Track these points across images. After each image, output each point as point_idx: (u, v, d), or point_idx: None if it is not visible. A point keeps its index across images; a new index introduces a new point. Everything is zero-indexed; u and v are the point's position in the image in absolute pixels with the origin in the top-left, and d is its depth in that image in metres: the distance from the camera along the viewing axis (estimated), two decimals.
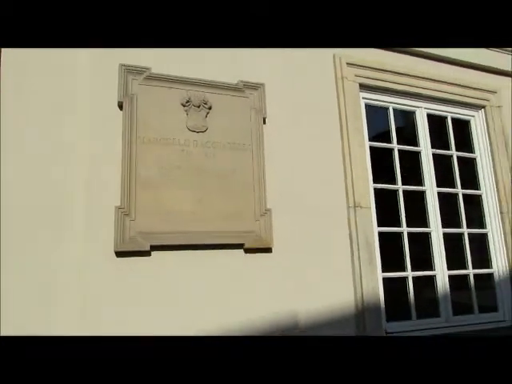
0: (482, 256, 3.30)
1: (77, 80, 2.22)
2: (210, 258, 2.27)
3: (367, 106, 3.06)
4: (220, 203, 2.31)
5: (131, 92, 2.24)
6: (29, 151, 2.07)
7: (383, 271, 2.81)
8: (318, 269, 2.54)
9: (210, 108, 2.38)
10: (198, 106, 2.35)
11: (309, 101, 2.75)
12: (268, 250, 2.41)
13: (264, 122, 2.53)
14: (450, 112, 3.41)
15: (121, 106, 2.24)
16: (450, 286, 3.03)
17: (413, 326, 2.84)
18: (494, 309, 3.20)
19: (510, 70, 3.56)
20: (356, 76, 2.91)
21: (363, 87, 2.98)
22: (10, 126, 2.06)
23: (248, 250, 2.35)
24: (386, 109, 3.17)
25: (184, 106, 2.33)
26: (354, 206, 2.70)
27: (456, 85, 3.31)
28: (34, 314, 1.94)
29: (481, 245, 3.33)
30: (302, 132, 2.68)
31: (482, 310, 3.14)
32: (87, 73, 2.23)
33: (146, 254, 2.15)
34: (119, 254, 2.10)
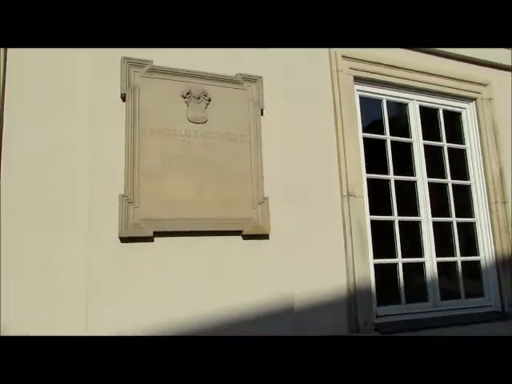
0: (470, 244, 3.43)
1: (80, 72, 2.29)
2: (210, 243, 2.37)
3: (361, 98, 3.15)
4: (219, 191, 2.41)
5: (134, 84, 2.32)
6: (33, 143, 2.15)
7: (375, 258, 2.94)
8: (313, 254, 2.66)
9: (209, 100, 2.46)
10: (198, 98, 2.44)
11: (305, 93, 2.84)
12: (265, 236, 2.51)
13: (261, 114, 2.62)
14: (441, 104, 3.50)
15: (124, 98, 2.31)
16: (438, 272, 3.17)
17: (402, 310, 2.97)
18: (481, 294, 3.34)
19: (501, 62, 3.65)
20: (351, 69, 2.99)
21: (358, 80, 3.07)
22: (14, 119, 2.14)
23: (246, 237, 2.45)
24: (380, 101, 3.27)
25: (184, 97, 2.41)
26: (348, 195, 2.81)
27: (448, 77, 3.40)
28: (41, 295, 2.04)
29: (469, 233, 3.45)
30: (297, 123, 2.77)
31: (469, 295, 3.28)
32: (90, 65, 2.30)
33: (149, 239, 2.25)
34: (124, 239, 2.19)
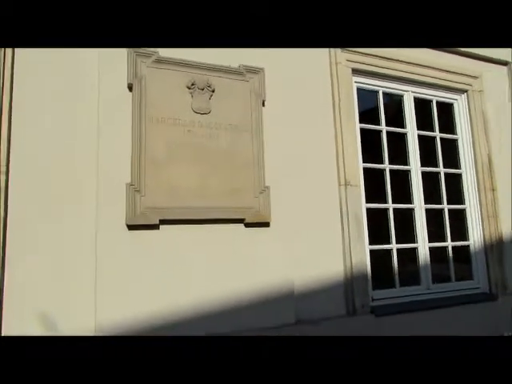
0: (460, 230, 3.57)
1: (88, 62, 2.31)
2: (213, 231, 2.45)
3: (359, 90, 3.23)
4: (222, 181, 2.48)
5: (140, 74, 2.36)
6: (43, 136, 2.19)
7: (370, 243, 3.05)
8: (312, 241, 2.76)
9: (213, 91, 2.52)
10: (202, 89, 2.49)
11: (305, 84, 2.91)
12: (266, 224, 2.59)
13: (263, 105, 2.68)
14: (435, 96, 3.61)
15: (130, 88, 2.36)
16: (430, 257, 3.30)
17: (396, 293, 3.11)
18: (470, 277, 3.50)
19: (491, 56, 3.76)
20: (349, 61, 3.07)
21: (356, 72, 3.15)
22: (23, 112, 2.18)
23: (248, 225, 2.54)
24: (376, 92, 3.35)
25: (189, 88, 2.46)
26: (345, 184, 2.91)
27: (441, 70, 3.50)
28: (51, 282, 2.10)
29: (459, 219, 3.59)
30: (298, 114, 2.84)
31: (459, 278, 3.44)
32: (98, 55, 2.32)
33: (155, 227, 2.32)
34: (131, 227, 2.26)
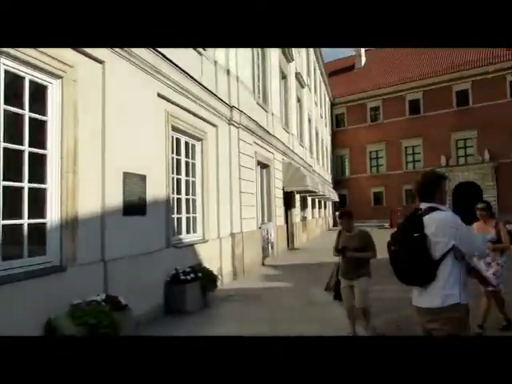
0: (40, 208, 3.74)
1: None
2: None
3: None
4: None
5: None
6: None
7: None
8: None
9: None
10: None
11: None
12: None
13: None
14: (29, 74, 3.57)
15: None
16: (4, 234, 3.29)
17: None
18: (43, 253, 3.71)
19: (89, 52, 4.13)
20: None
21: None
22: None
23: None
24: None
25: None
26: None
27: (40, 51, 3.49)
28: None
29: (41, 198, 3.75)
30: None
31: (32, 254, 3.58)
32: None
33: None
34: None
